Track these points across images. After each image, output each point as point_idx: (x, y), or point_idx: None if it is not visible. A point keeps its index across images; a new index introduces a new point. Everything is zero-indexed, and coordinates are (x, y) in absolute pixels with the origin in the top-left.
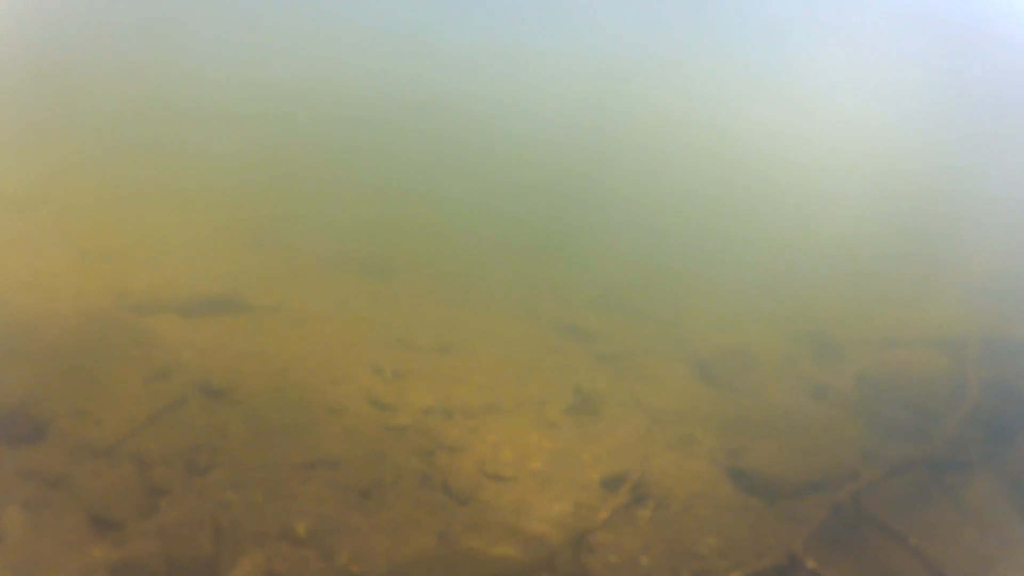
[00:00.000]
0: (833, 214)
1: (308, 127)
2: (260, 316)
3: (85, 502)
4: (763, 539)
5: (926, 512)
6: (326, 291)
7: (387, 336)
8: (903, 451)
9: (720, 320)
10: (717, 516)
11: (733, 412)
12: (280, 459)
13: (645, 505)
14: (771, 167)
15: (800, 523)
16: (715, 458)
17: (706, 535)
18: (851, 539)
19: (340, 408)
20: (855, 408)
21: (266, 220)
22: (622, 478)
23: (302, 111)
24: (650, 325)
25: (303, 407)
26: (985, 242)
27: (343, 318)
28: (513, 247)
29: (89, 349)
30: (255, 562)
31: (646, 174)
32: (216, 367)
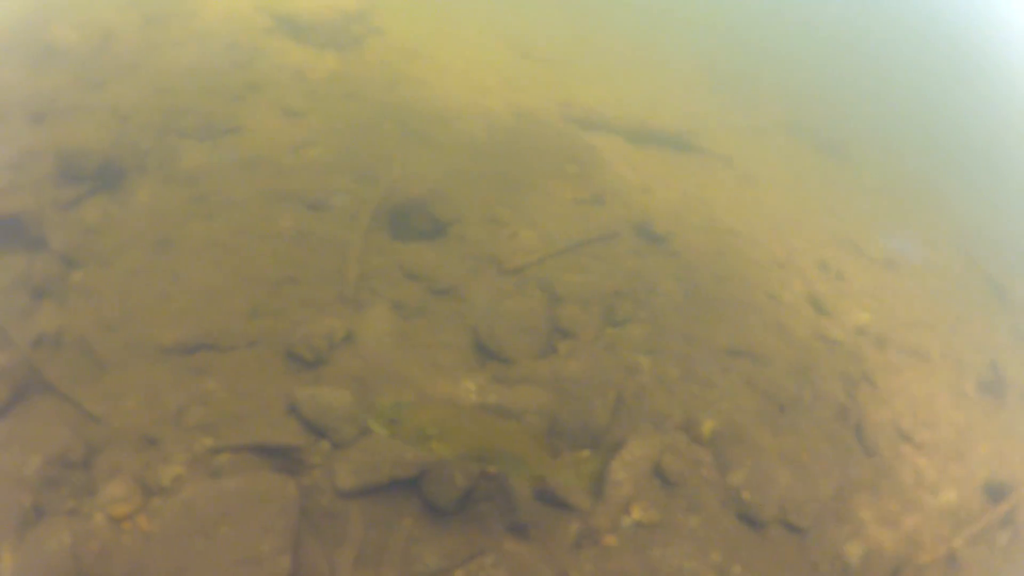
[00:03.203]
0: None
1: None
2: (710, 163)
3: (472, 321)
4: None
5: None
6: (780, 157)
7: (836, 227)
8: None
9: None
10: None
11: None
12: (706, 334)
13: (1006, 530)
14: None
15: None
16: None
17: None
18: None
19: (778, 296)
20: None
21: (726, 69)
22: (1005, 489)
23: None
24: None
25: (742, 281)
26: None
27: (795, 192)
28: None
29: (518, 153)
30: (645, 449)
31: None
32: (658, 207)
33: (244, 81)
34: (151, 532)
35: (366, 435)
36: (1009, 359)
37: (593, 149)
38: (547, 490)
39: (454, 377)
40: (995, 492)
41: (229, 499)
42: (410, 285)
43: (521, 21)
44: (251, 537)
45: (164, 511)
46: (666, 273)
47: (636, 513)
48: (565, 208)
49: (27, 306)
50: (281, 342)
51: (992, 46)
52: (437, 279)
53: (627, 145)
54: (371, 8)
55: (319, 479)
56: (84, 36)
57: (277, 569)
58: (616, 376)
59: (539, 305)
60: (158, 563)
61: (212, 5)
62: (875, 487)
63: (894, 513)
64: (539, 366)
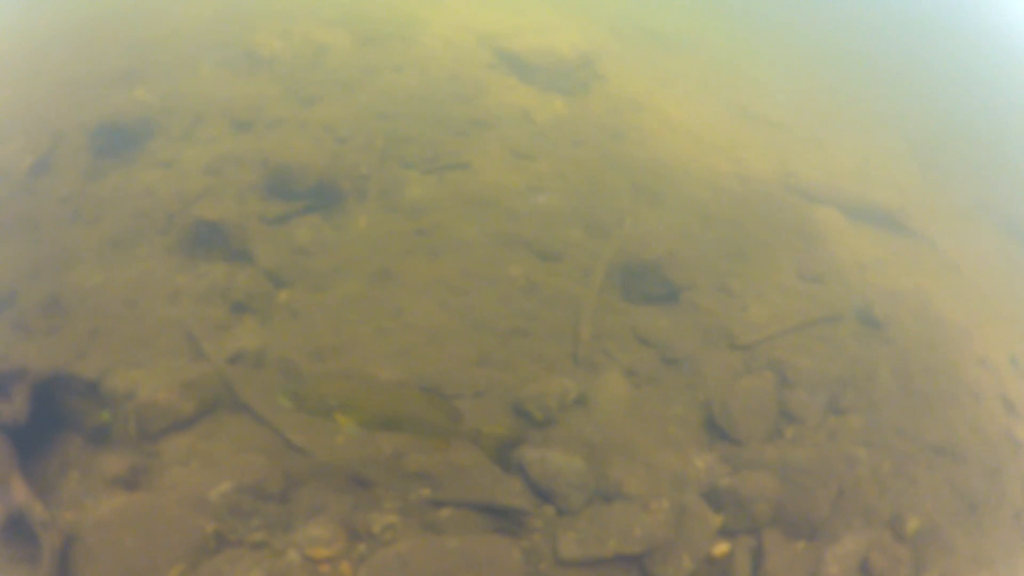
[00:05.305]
0: None
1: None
2: (916, 244)
3: (704, 397)
4: None
5: None
6: (976, 241)
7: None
8: None
9: None
10: None
11: None
12: (916, 429)
13: None
14: None
15: None
16: None
17: None
18: None
19: (978, 393)
20: None
21: (932, 142)
22: None
23: None
24: None
25: (949, 375)
26: None
27: (990, 280)
28: None
29: (746, 221)
30: (856, 544)
31: None
32: (874, 289)
33: (469, 116)
34: None
35: (593, 505)
36: None
37: (816, 223)
38: None
39: (684, 453)
40: None
41: (450, 559)
42: (642, 351)
43: (737, 77)
44: None
45: (373, 561)
46: (883, 362)
47: None
48: (791, 283)
49: (224, 319)
50: (509, 396)
51: None
52: (670, 347)
53: (844, 220)
54: (595, 54)
55: (538, 544)
56: (291, 48)
57: None
58: (838, 467)
59: (770, 386)
60: None
61: (431, 33)
62: None
63: None
64: (766, 450)
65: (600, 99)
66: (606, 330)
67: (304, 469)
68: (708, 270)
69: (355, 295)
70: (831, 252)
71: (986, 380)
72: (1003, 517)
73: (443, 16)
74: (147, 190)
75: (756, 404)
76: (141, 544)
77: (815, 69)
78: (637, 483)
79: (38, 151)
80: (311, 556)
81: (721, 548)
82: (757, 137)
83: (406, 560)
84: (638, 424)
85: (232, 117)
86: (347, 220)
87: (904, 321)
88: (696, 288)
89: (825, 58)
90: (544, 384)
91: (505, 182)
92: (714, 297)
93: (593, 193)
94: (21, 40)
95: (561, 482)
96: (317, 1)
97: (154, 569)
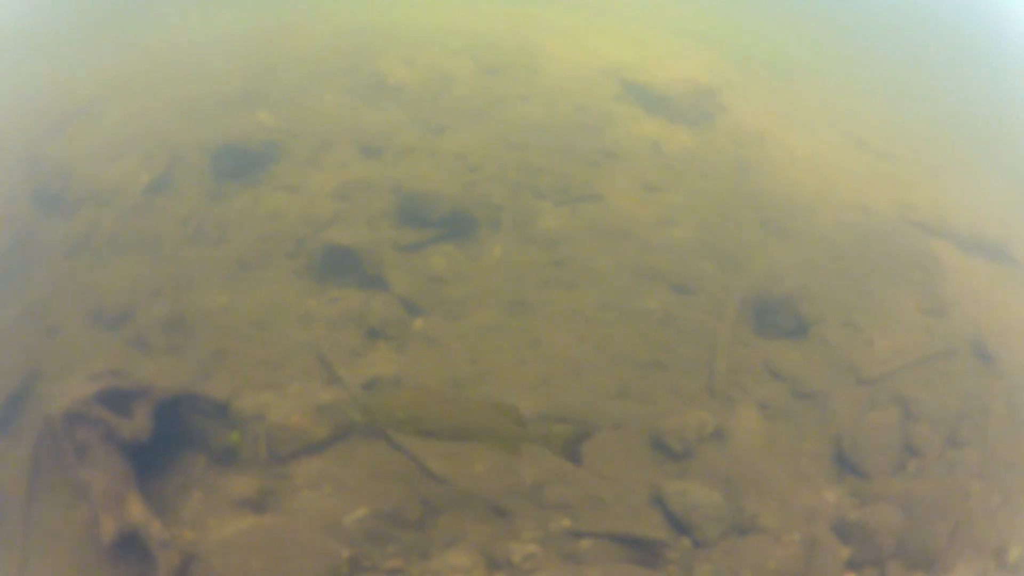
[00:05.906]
0: None
1: None
2: (1020, 275)
3: (833, 431)
4: None
5: None
6: None
7: None
8: None
9: None
10: None
11: None
12: (1020, 461)
13: None
14: None
15: None
16: None
17: None
18: None
19: None
20: None
21: None
22: None
23: None
24: None
25: None
26: None
27: None
28: None
29: (868, 255)
30: (971, 571)
31: None
32: (990, 324)
33: (598, 147)
34: None
35: (729, 537)
36: None
37: (935, 257)
38: None
39: (815, 487)
40: None
41: None
42: (775, 385)
43: (851, 108)
44: None
45: None
46: (997, 395)
47: None
48: (911, 318)
49: (358, 345)
50: (648, 428)
51: None
52: (801, 382)
53: (958, 252)
54: (717, 85)
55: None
56: (417, 76)
57: None
58: (955, 500)
59: (894, 420)
60: None
61: (555, 64)
62: None
63: None
64: (891, 484)
65: (724, 130)
66: (740, 364)
67: (442, 497)
68: (835, 304)
69: (492, 325)
70: (948, 285)
71: None
72: None
73: (565, 46)
74: (274, 213)
75: (882, 438)
76: (269, 567)
77: (924, 102)
78: (771, 516)
79: (155, 170)
80: None
81: None
82: (874, 168)
83: None
84: (772, 458)
85: (360, 143)
86: (482, 250)
87: (1014, 355)
88: (824, 322)
89: (933, 91)
90: (682, 417)
91: (637, 214)
92: (841, 331)
93: (723, 226)
94: (140, 59)
95: (699, 514)
96: (440, 30)
97: None
